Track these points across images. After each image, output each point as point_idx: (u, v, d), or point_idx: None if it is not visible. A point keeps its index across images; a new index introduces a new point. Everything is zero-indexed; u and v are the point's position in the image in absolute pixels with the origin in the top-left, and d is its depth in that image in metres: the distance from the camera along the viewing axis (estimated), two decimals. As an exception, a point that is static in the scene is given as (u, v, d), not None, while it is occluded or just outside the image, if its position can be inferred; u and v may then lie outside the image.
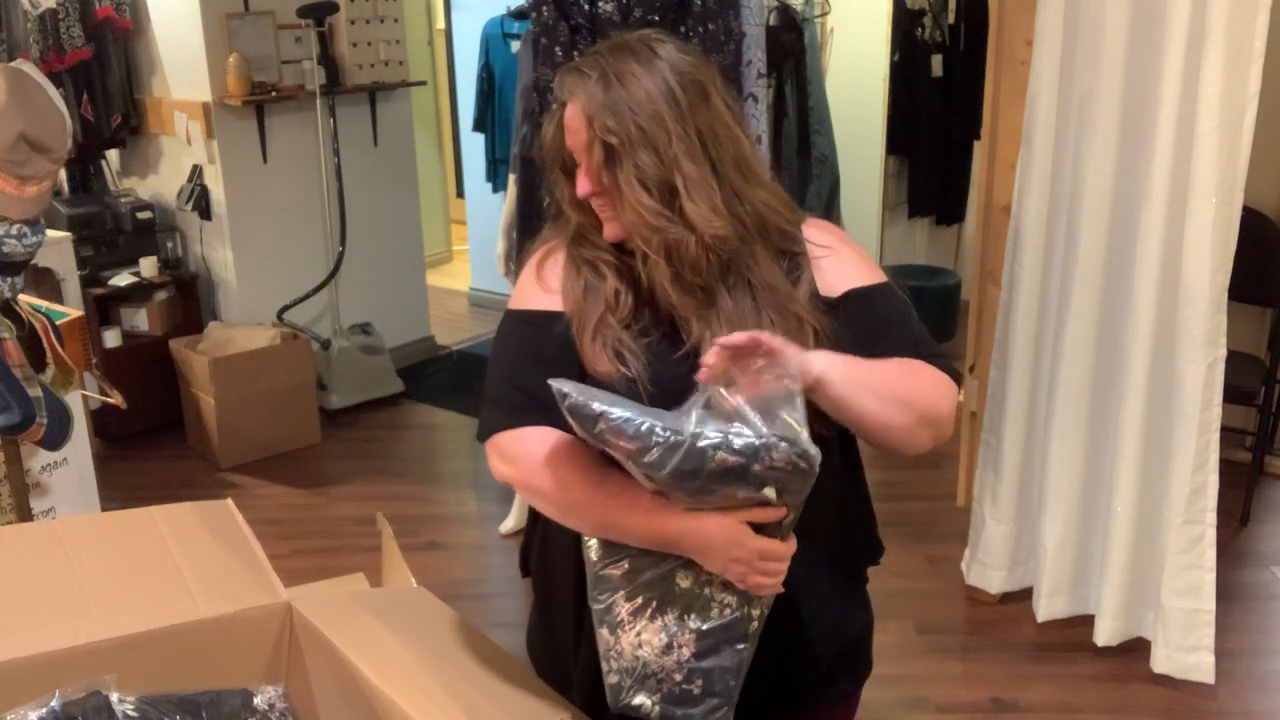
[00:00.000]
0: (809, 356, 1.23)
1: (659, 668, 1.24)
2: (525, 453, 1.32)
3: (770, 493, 1.19)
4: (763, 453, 1.15)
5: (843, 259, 1.43)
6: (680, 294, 1.34)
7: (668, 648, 1.24)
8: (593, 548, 1.29)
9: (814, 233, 1.44)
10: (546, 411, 1.30)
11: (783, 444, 1.15)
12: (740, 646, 1.26)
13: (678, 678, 1.24)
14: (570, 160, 1.41)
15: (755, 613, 1.26)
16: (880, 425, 1.29)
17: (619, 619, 1.25)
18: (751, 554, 1.22)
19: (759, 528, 1.23)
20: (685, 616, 1.24)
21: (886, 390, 1.29)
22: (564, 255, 1.44)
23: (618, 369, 1.33)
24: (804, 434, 1.16)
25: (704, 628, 1.24)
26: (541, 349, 1.38)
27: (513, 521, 3.55)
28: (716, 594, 1.25)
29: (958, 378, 1.38)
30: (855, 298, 1.40)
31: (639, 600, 1.25)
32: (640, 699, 1.26)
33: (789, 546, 1.25)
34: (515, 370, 1.38)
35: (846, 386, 1.25)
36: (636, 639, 1.24)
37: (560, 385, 1.18)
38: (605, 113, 1.33)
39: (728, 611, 1.25)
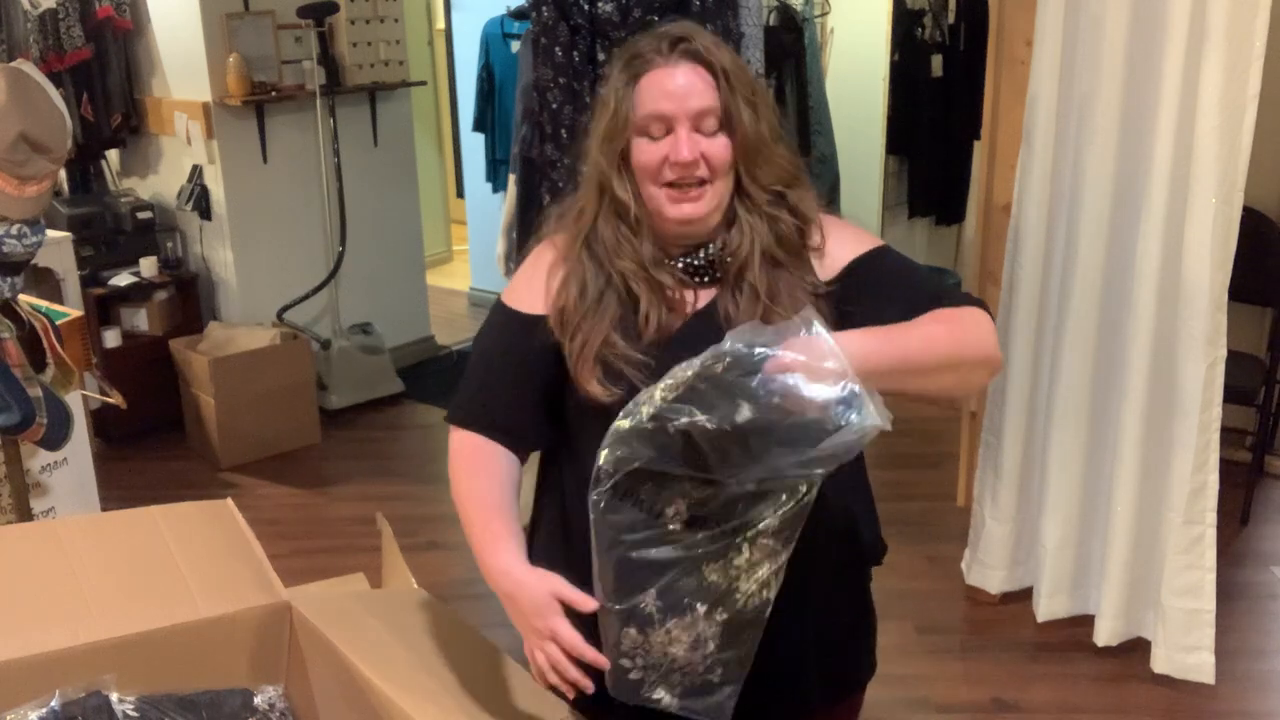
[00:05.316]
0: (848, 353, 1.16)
1: (686, 663, 1.24)
2: (455, 451, 1.44)
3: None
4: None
5: (838, 239, 1.43)
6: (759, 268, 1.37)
7: (696, 643, 1.23)
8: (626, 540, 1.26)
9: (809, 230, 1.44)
10: (496, 415, 1.42)
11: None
12: (755, 632, 1.25)
13: (700, 670, 1.24)
14: (630, 139, 1.37)
15: (769, 596, 1.25)
16: (934, 395, 1.29)
17: (648, 616, 1.23)
18: (546, 630, 1.27)
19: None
20: (713, 610, 1.23)
21: (932, 363, 1.25)
22: (564, 265, 1.42)
23: (609, 391, 1.33)
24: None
25: (729, 619, 1.23)
26: (522, 355, 1.41)
27: (512, 521, 3.54)
28: (741, 584, 1.23)
29: (984, 305, 1.37)
30: (860, 264, 1.40)
31: (670, 597, 1.23)
32: (659, 693, 1.25)
33: (580, 649, 1.26)
34: (487, 369, 1.45)
35: (890, 379, 1.20)
36: (667, 636, 1.23)
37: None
38: (742, 71, 1.36)
39: (752, 602, 1.24)
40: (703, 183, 1.35)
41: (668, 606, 1.23)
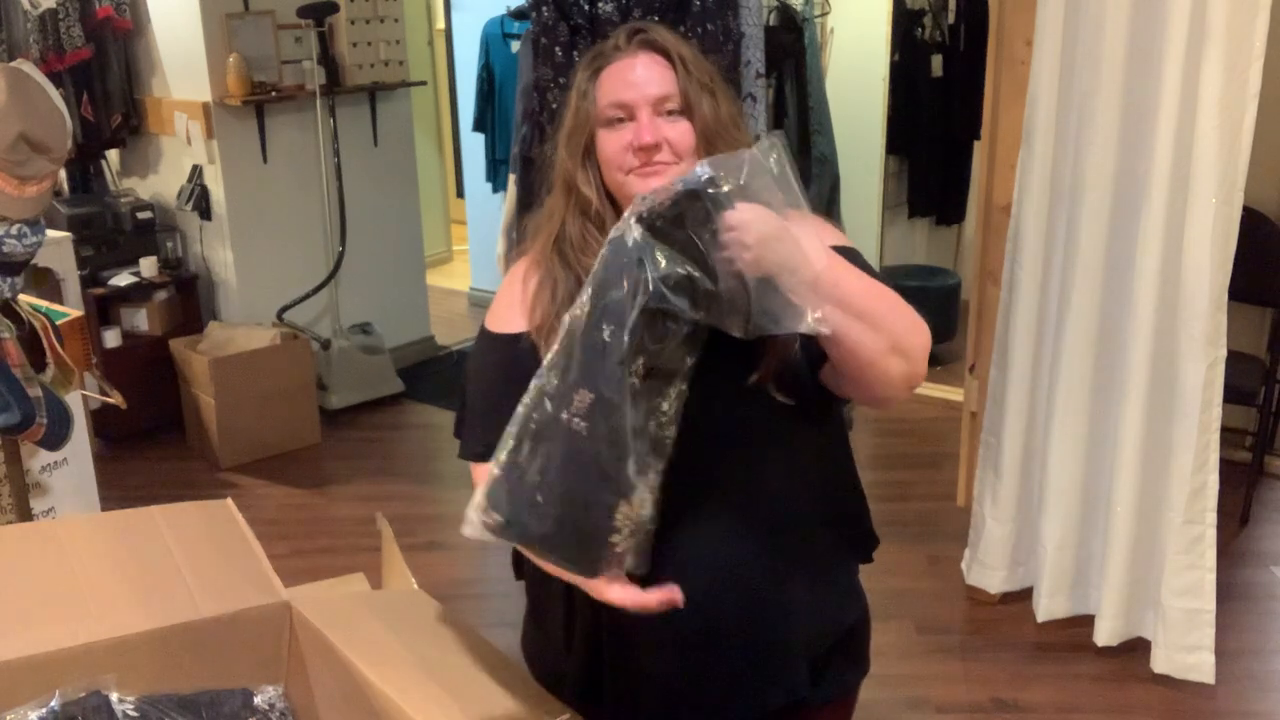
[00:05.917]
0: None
1: (649, 520, 1.22)
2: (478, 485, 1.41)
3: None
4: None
5: (801, 226, 1.42)
6: None
7: (654, 498, 1.22)
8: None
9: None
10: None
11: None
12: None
13: (652, 525, 1.22)
14: (595, 130, 1.38)
15: (674, 432, 1.25)
16: (849, 353, 1.23)
17: (629, 482, 1.20)
18: (608, 602, 1.25)
19: None
20: (658, 461, 1.21)
21: (861, 308, 1.22)
22: (538, 270, 1.42)
23: None
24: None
25: (663, 467, 1.22)
26: (512, 372, 1.39)
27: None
28: (668, 430, 1.22)
29: (929, 324, 1.33)
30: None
31: (641, 460, 1.20)
32: (629, 561, 1.23)
33: (640, 600, 1.24)
34: (485, 397, 1.43)
35: (818, 292, 1.18)
36: (641, 500, 1.21)
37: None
38: (699, 60, 1.37)
39: (671, 442, 1.22)
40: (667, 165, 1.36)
41: (639, 469, 1.20)
